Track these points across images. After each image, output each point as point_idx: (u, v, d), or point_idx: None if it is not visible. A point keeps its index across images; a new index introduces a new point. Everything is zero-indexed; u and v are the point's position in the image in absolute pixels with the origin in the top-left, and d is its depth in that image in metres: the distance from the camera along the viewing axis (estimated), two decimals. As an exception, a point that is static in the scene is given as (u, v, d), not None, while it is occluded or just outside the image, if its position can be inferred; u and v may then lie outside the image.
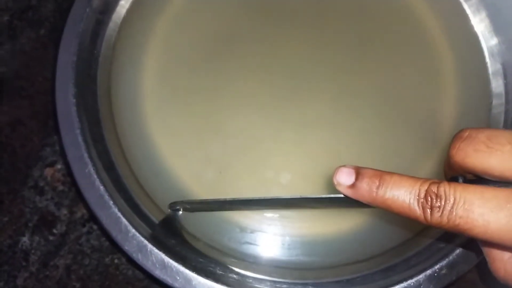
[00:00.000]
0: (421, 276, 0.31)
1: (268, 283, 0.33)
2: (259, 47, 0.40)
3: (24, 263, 0.37)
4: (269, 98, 0.39)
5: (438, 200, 0.21)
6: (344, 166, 0.25)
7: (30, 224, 0.38)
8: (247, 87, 0.39)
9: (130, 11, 0.40)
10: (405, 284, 0.31)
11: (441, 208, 0.21)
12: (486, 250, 0.24)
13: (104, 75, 0.38)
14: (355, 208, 0.26)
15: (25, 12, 0.43)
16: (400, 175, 0.23)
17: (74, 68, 0.35)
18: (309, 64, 0.40)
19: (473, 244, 0.32)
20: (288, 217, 0.36)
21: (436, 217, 0.21)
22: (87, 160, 0.33)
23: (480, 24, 0.41)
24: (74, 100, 0.34)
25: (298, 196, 0.28)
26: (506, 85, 0.39)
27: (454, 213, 0.21)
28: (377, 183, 0.23)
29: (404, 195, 0.22)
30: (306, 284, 0.33)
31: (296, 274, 0.34)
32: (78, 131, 0.33)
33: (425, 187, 0.22)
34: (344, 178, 0.24)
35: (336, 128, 0.38)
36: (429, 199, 0.22)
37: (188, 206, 0.35)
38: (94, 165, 0.33)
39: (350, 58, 0.40)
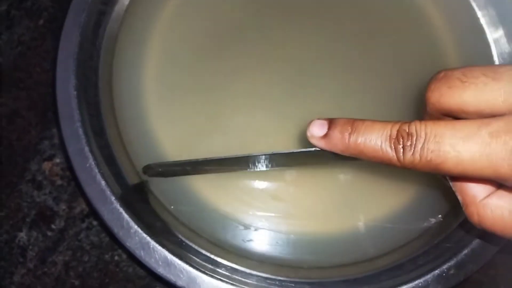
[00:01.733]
0: (429, 276, 0.31)
1: (274, 282, 0.32)
2: (262, 43, 0.39)
3: (21, 259, 0.36)
4: (270, 94, 0.38)
5: (410, 138, 0.21)
6: (317, 118, 0.25)
7: (27, 219, 0.37)
8: (250, 83, 0.38)
9: (132, 2, 0.39)
10: (413, 284, 0.31)
11: (413, 146, 0.21)
12: (460, 194, 0.23)
13: (105, 67, 0.37)
14: (330, 162, 0.25)
15: (23, 2, 0.42)
16: (373, 120, 0.23)
17: (76, 59, 0.34)
18: (311, 61, 0.39)
19: (482, 244, 0.32)
20: (293, 215, 0.35)
21: (409, 156, 0.21)
22: (88, 153, 0.32)
23: (485, 16, 0.41)
24: (75, 92, 0.33)
25: (270, 152, 0.28)
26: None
27: (425, 148, 0.20)
28: (350, 130, 0.23)
29: (376, 138, 0.22)
30: (313, 283, 0.32)
31: (302, 273, 0.33)
32: (79, 124, 0.32)
33: (396, 127, 0.22)
34: (317, 130, 0.24)
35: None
36: (401, 139, 0.21)
37: (161, 170, 0.34)
38: (95, 159, 0.32)
39: (354, 54, 0.39)
